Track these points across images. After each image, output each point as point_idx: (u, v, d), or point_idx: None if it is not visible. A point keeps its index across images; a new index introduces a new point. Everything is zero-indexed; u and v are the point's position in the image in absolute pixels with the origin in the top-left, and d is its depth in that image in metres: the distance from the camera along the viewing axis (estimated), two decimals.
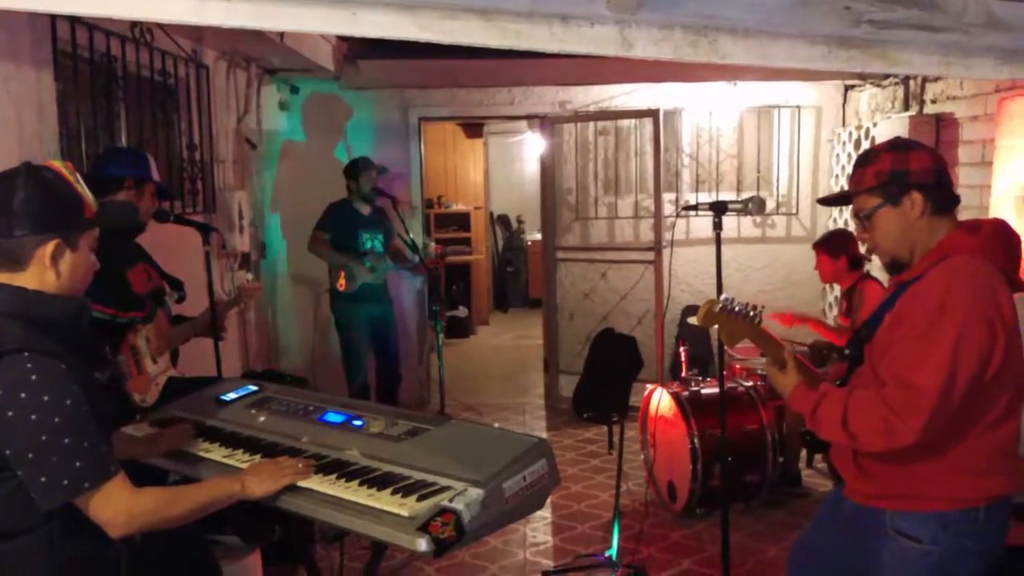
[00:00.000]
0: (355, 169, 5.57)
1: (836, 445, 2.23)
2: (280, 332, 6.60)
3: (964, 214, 2.17)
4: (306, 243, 5.57)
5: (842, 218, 6.13)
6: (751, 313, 2.26)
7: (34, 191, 1.85)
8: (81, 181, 1.95)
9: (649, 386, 4.75)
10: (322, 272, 5.77)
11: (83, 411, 1.79)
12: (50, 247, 1.87)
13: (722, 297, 2.28)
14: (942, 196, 2.10)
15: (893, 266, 2.17)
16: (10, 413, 1.73)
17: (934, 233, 2.09)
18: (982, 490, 2.01)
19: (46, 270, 1.88)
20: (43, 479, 1.75)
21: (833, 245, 4.49)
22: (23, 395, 1.74)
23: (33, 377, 1.75)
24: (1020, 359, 2.00)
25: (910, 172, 2.07)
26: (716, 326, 2.28)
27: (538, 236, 8.49)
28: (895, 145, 2.17)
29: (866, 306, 4.15)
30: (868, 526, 2.13)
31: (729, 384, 4.49)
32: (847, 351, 2.24)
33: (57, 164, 1.95)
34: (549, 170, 6.74)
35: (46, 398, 1.75)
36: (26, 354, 1.76)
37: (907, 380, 1.93)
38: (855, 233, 2.46)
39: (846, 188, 2.26)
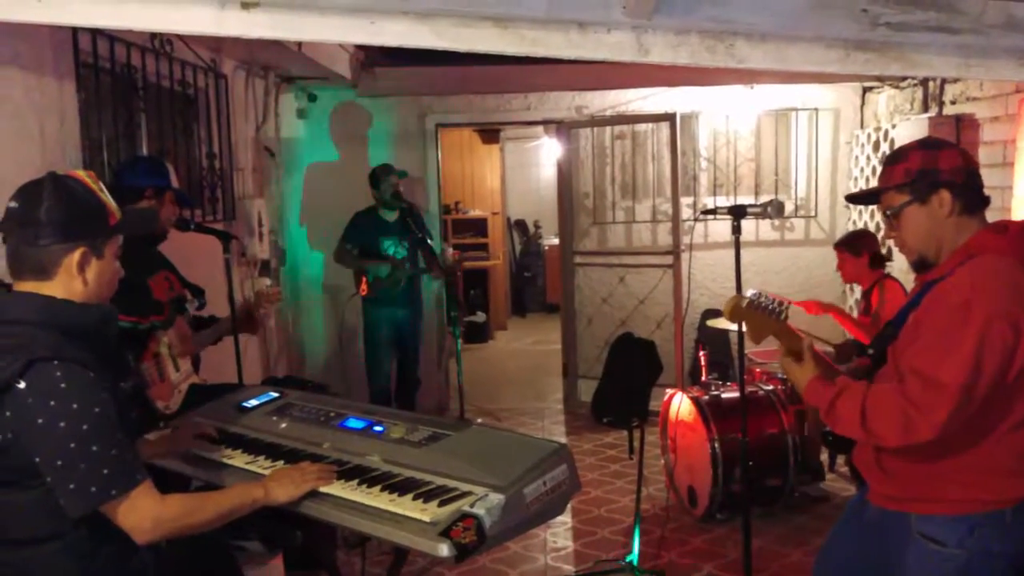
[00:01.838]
0: (375, 177, 5.61)
1: (859, 446, 2.21)
2: (303, 338, 6.63)
3: (987, 216, 2.16)
4: (325, 248, 5.59)
5: (862, 220, 6.10)
6: (778, 309, 2.24)
7: (59, 200, 1.87)
8: (104, 190, 1.97)
9: (669, 391, 4.73)
10: (344, 278, 5.80)
11: (111, 419, 1.81)
12: (77, 255, 1.89)
13: (750, 292, 2.24)
14: (971, 196, 2.09)
15: (920, 265, 2.16)
16: (39, 420, 1.75)
17: (961, 233, 2.08)
18: (1008, 491, 1.99)
19: (73, 279, 1.90)
20: (71, 486, 1.77)
21: (854, 243, 4.48)
22: (52, 403, 1.75)
23: (62, 385, 1.76)
24: None
25: (939, 171, 2.07)
26: (742, 322, 2.26)
27: (555, 241, 8.51)
28: (925, 144, 2.16)
29: (889, 305, 4.13)
30: (892, 530, 2.11)
31: (749, 388, 4.47)
32: (871, 350, 2.23)
33: (80, 173, 1.97)
34: (566, 175, 6.75)
35: (75, 406, 1.76)
36: (55, 362, 1.78)
37: (929, 375, 1.91)
38: (882, 232, 2.43)
39: (872, 186, 2.24)
